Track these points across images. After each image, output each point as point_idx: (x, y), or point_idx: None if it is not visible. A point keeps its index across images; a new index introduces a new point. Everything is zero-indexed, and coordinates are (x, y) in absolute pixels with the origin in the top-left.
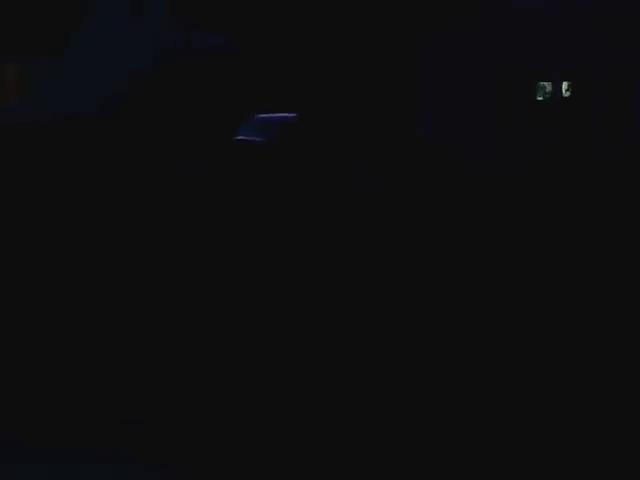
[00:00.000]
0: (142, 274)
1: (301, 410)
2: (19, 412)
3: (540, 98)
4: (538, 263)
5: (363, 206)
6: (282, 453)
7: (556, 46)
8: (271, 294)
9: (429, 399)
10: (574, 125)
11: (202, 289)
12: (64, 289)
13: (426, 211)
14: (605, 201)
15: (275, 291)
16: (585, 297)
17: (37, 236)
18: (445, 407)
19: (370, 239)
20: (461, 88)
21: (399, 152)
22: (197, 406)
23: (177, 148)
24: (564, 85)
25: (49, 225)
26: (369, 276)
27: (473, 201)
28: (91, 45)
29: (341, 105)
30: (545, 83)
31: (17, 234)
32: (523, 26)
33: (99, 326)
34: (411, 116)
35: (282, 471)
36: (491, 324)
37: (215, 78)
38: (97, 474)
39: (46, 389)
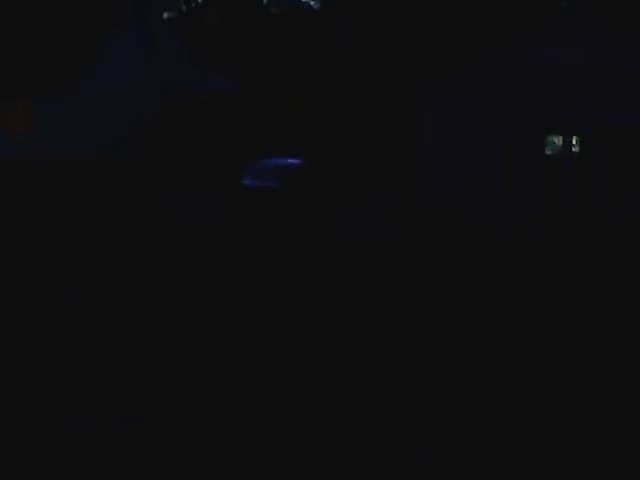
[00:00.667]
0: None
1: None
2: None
3: (549, 152)
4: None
5: (371, 247)
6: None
7: (567, 100)
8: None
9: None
10: (582, 180)
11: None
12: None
13: (426, 251)
14: (606, 256)
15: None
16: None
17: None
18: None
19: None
20: (466, 140)
21: (404, 205)
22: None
23: (183, 192)
24: (573, 140)
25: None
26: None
27: (469, 247)
28: (99, 83)
29: (344, 153)
30: (554, 138)
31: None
32: (533, 78)
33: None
34: (413, 165)
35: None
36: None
37: (221, 119)
38: None
39: (46, 405)
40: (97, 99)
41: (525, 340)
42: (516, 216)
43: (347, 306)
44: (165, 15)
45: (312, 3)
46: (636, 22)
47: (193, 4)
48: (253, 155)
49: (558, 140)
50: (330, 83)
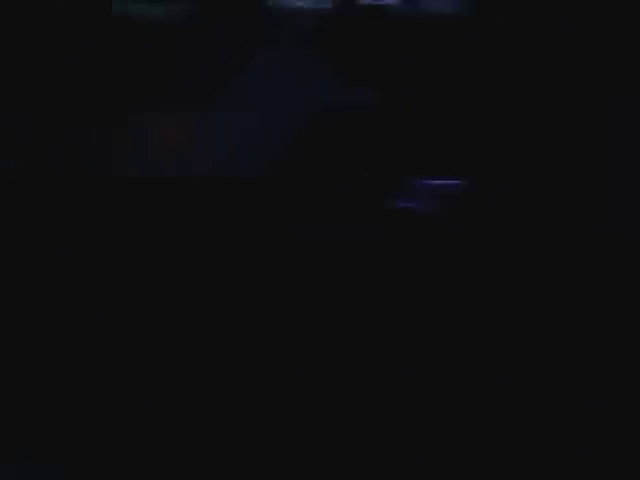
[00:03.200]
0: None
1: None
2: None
3: None
4: None
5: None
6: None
7: None
8: None
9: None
10: None
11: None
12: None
13: None
14: None
15: None
16: None
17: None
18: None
19: None
20: None
21: (587, 234)
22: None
23: (329, 212)
24: None
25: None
26: None
27: None
28: (249, 101)
29: (514, 171)
30: None
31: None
32: None
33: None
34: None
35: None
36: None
37: (368, 134)
38: None
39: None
40: (245, 118)
41: None
42: None
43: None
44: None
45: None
46: None
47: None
48: (404, 174)
49: None
50: (496, 92)
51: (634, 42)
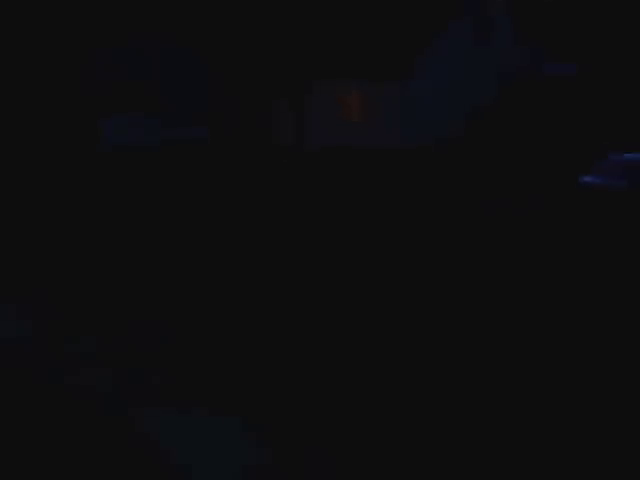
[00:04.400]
0: None
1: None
2: None
3: None
4: None
5: None
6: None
7: None
8: None
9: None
10: None
11: None
12: None
13: None
14: None
15: None
16: None
17: None
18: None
19: None
20: None
21: None
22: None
23: (512, 184)
24: None
25: None
26: None
27: None
28: (434, 71)
29: None
30: None
31: None
32: None
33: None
34: None
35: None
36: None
37: (560, 110)
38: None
39: None
40: (432, 86)
41: None
42: None
43: None
44: None
45: None
46: None
47: None
48: (596, 149)
49: None
50: None
51: None
